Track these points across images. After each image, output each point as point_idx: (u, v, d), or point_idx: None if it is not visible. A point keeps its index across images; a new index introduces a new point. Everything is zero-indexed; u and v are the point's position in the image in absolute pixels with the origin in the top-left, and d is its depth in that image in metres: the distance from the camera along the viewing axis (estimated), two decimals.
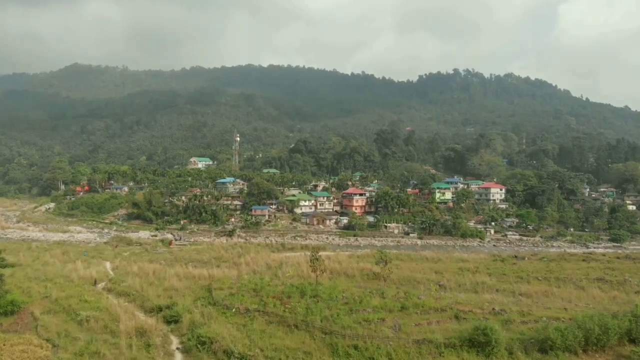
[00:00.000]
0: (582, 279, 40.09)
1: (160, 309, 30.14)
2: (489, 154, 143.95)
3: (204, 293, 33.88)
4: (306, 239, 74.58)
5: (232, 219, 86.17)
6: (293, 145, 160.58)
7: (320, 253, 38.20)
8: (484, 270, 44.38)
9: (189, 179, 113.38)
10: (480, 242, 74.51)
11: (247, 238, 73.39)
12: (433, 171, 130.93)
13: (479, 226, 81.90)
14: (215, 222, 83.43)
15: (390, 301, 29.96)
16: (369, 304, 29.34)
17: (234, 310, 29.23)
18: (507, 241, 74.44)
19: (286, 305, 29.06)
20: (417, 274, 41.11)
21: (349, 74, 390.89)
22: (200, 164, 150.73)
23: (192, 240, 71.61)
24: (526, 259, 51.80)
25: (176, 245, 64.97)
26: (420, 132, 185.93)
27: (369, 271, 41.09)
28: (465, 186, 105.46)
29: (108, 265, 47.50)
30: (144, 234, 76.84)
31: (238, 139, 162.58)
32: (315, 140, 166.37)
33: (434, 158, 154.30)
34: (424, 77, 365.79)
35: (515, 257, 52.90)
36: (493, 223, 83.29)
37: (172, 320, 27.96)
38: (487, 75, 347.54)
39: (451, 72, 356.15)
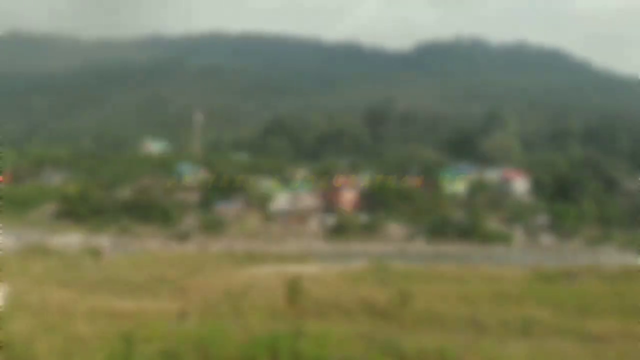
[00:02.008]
0: None
1: None
2: (502, 135, 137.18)
3: (121, 348, 25.10)
4: (282, 244, 67.44)
5: (188, 218, 78.89)
6: (267, 125, 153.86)
7: (300, 269, 31.67)
8: (530, 295, 36.82)
9: (138, 166, 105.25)
10: (507, 248, 67.00)
11: (206, 243, 66.21)
12: (437, 157, 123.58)
13: (502, 227, 74.80)
14: (166, 222, 76.43)
15: None
16: None
17: None
18: (541, 247, 67.51)
19: None
20: (440, 305, 33.20)
21: (333, 42, 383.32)
22: (155, 147, 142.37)
23: (133, 247, 63.33)
24: (580, 276, 43.74)
25: (109, 255, 55.89)
26: (418, 110, 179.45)
27: (373, 302, 33.02)
28: (480, 175, 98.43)
29: (2, 290, 38.01)
30: (74, 239, 68.28)
31: (201, 117, 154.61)
32: (293, 119, 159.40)
33: (436, 141, 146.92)
34: (421, 45, 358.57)
35: (567, 274, 44.76)
36: (519, 223, 76.03)
37: None
38: (494, 43, 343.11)
39: (452, 39, 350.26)
